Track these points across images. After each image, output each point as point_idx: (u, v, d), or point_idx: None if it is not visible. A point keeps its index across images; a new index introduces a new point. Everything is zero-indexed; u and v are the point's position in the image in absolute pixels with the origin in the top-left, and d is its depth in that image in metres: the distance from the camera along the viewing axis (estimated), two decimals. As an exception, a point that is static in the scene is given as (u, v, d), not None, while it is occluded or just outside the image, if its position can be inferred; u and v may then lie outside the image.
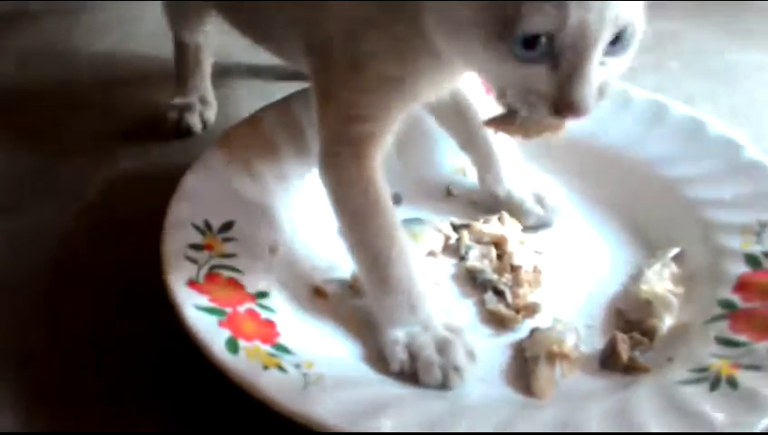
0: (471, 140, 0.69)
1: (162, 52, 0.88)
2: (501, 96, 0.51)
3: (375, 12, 0.53)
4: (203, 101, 0.81)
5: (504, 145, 0.69)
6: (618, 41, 0.47)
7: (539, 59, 0.46)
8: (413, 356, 0.53)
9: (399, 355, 0.54)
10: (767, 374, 0.50)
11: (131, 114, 0.82)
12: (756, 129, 0.79)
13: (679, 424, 0.47)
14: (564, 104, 0.47)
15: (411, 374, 0.53)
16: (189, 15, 0.79)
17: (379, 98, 0.56)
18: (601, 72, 0.47)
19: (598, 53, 0.46)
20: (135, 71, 0.89)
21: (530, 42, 0.46)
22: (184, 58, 0.81)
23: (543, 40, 0.45)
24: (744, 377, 0.49)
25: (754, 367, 0.50)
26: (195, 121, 0.79)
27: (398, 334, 0.54)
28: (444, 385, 0.52)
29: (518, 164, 0.70)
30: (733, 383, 0.49)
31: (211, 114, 0.81)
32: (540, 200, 0.68)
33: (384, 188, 0.58)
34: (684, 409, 0.48)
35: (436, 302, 0.57)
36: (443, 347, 0.54)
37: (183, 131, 0.79)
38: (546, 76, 0.47)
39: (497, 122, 0.53)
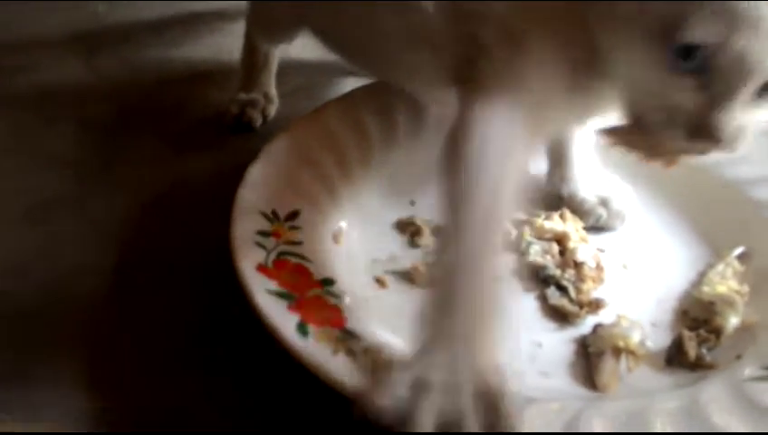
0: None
1: (222, 55, 0.90)
2: (633, 108, 0.49)
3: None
4: (267, 97, 0.82)
5: (581, 148, 0.68)
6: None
7: (690, 72, 0.44)
8: (415, 393, 0.43)
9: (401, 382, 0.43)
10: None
11: (193, 111, 0.83)
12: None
13: (751, 419, 0.46)
14: (703, 127, 0.45)
15: None
16: (280, 36, 0.79)
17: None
18: (746, 110, 0.45)
19: (752, 85, 0.44)
20: (198, 69, 0.91)
21: (687, 51, 0.44)
22: (253, 56, 0.82)
23: (701, 53, 0.44)
24: (817, 376, 0.49)
25: (827, 366, 0.49)
26: (256, 116, 0.80)
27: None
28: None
29: (592, 167, 0.68)
30: (806, 381, 0.48)
31: (272, 110, 0.82)
32: (605, 203, 0.67)
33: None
34: (755, 404, 0.47)
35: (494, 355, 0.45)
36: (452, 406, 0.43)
37: (244, 126, 0.80)
38: (692, 93, 0.45)
39: (619, 134, 0.50)
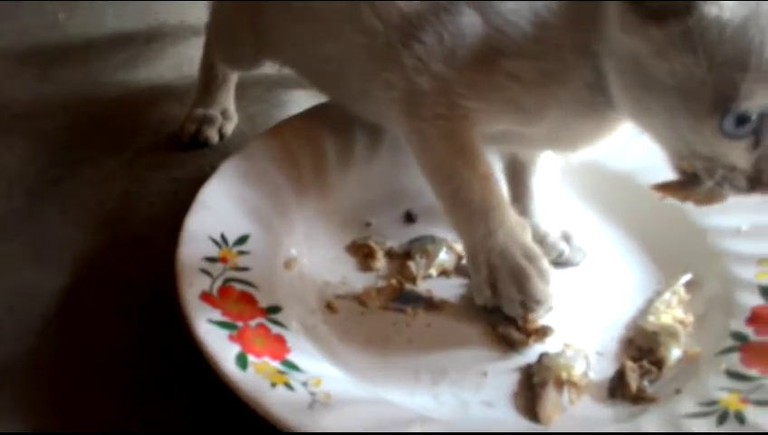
0: (516, 167, 0.68)
1: (183, 68, 0.90)
2: (680, 162, 0.51)
3: (524, 41, 0.53)
4: (225, 114, 0.82)
5: (543, 181, 0.68)
6: None
7: (744, 135, 0.47)
8: (495, 292, 0.57)
9: (484, 293, 0.58)
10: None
11: (151, 127, 0.83)
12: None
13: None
14: (761, 180, 0.48)
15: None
16: (242, 64, 0.78)
17: (491, 102, 0.56)
18: None
19: None
20: (158, 82, 0.90)
21: (742, 118, 0.46)
22: (211, 72, 0.81)
23: (755, 117, 0.46)
24: (753, 413, 0.49)
25: (764, 403, 0.50)
26: (212, 134, 0.80)
27: (482, 269, 0.57)
28: (527, 313, 0.57)
29: (553, 201, 0.69)
30: (740, 419, 0.49)
31: (230, 127, 0.82)
32: (567, 238, 0.67)
33: (475, 139, 0.58)
34: (689, 443, 0.48)
35: (515, 223, 0.58)
36: (520, 280, 0.56)
37: (200, 143, 0.80)
38: (744, 152, 0.48)
39: (672, 189, 0.53)
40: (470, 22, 0.56)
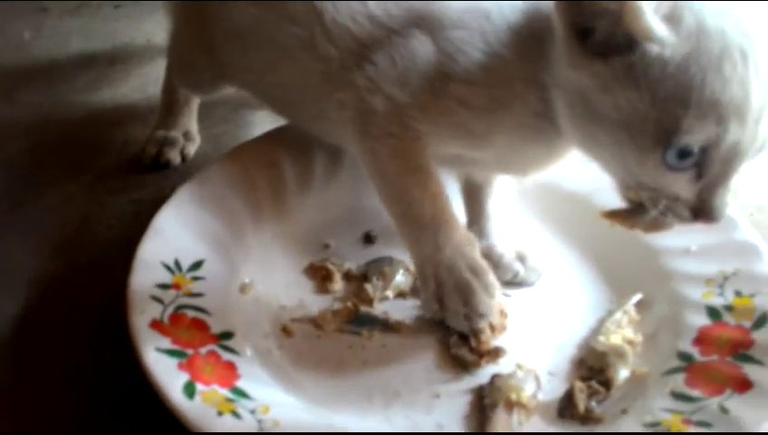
0: (473, 190, 0.69)
1: (148, 88, 0.90)
2: (627, 191, 0.53)
3: (474, 69, 0.55)
4: (187, 136, 0.82)
5: (499, 203, 0.69)
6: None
7: (686, 169, 0.48)
8: (442, 306, 0.59)
9: (432, 307, 0.60)
10: (716, 431, 0.50)
11: (114, 148, 0.83)
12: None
13: (624, 482, 0.47)
14: (703, 211, 0.50)
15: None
16: (201, 89, 0.79)
17: (441, 125, 0.57)
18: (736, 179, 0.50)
19: (743, 165, 0.49)
20: (122, 103, 0.91)
21: (684, 152, 0.47)
22: (174, 94, 0.82)
23: (696, 150, 0.47)
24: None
25: (705, 424, 0.51)
26: (174, 156, 0.80)
27: (430, 284, 0.59)
28: (471, 329, 0.59)
29: (511, 222, 0.70)
30: (682, 441, 0.50)
31: (192, 148, 0.82)
32: (522, 259, 0.67)
33: (426, 156, 0.59)
34: (631, 465, 0.48)
35: (463, 239, 0.59)
36: (465, 294, 0.58)
37: (161, 165, 0.80)
38: (687, 183, 0.49)
39: (619, 217, 0.55)
40: (422, 46, 0.57)
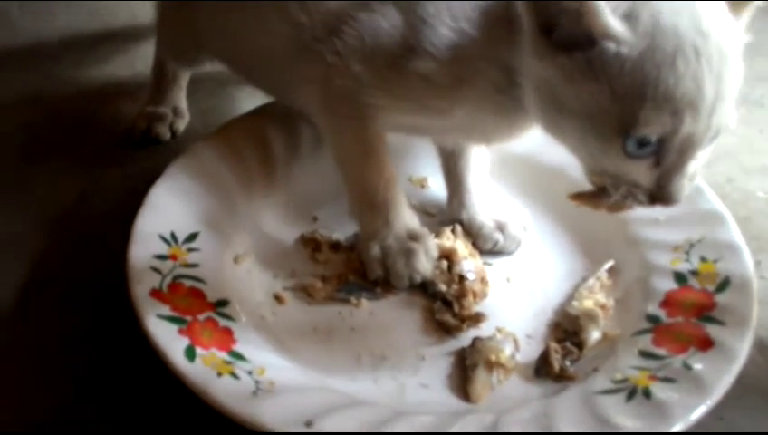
0: (451, 164, 0.72)
1: (136, 65, 0.91)
2: (592, 175, 0.56)
3: (439, 45, 0.57)
4: (176, 111, 0.84)
5: (479, 175, 0.72)
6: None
7: (645, 156, 0.51)
8: (387, 269, 0.65)
9: (376, 271, 0.65)
10: (679, 386, 0.54)
11: (105, 125, 0.85)
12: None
13: (594, 430, 0.51)
14: (661, 196, 0.53)
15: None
16: (185, 60, 0.81)
17: (401, 99, 0.60)
18: (693, 164, 0.53)
19: (699, 152, 0.52)
20: (111, 80, 0.92)
21: (642, 142, 0.50)
22: (163, 70, 0.84)
23: (654, 140, 0.50)
24: (658, 389, 0.54)
25: (669, 379, 0.55)
26: (163, 131, 0.82)
27: (375, 250, 0.65)
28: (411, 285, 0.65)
29: (489, 194, 0.72)
30: (647, 394, 0.54)
31: (181, 124, 0.84)
32: (501, 228, 0.70)
33: (383, 141, 0.64)
34: (599, 416, 0.52)
35: (407, 213, 0.66)
36: (409, 257, 0.64)
37: (152, 140, 0.82)
38: (647, 170, 0.52)
39: (584, 198, 0.58)
40: (389, 20, 0.59)
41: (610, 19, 0.49)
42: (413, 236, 0.65)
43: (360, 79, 0.59)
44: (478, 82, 0.57)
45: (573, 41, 0.50)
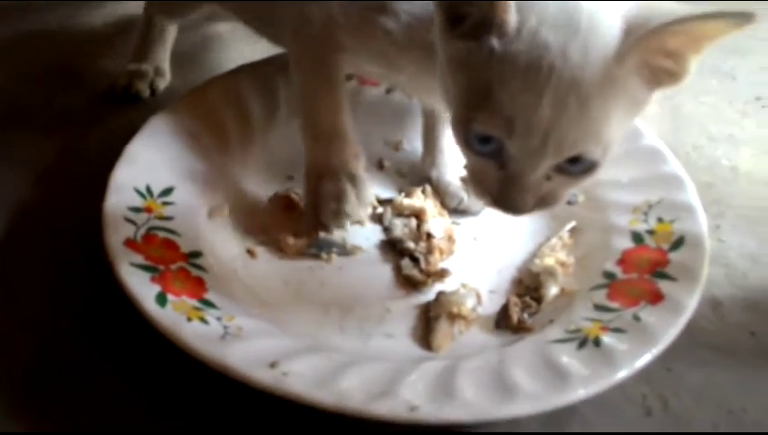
0: (430, 124, 0.74)
1: (122, 23, 0.92)
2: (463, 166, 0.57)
3: (406, 7, 0.59)
4: (158, 71, 0.85)
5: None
6: (576, 162, 0.51)
7: (489, 156, 0.52)
8: (318, 203, 0.67)
9: (308, 198, 0.68)
10: (628, 336, 0.57)
11: (88, 81, 0.86)
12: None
13: (544, 376, 0.54)
14: (500, 201, 0.54)
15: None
16: (177, 10, 0.84)
17: (364, 47, 0.63)
18: (547, 184, 0.53)
19: (541, 170, 0.51)
20: (97, 36, 0.93)
21: (484, 139, 0.51)
22: (149, 28, 0.85)
23: (494, 141, 0.51)
24: (609, 338, 0.57)
25: (619, 330, 0.57)
26: (143, 87, 0.84)
27: (311, 181, 0.67)
28: (337, 225, 0.67)
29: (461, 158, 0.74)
30: (597, 343, 0.56)
31: (162, 84, 0.85)
32: (467, 188, 0.72)
33: (341, 76, 0.67)
34: (549, 362, 0.55)
35: (352, 153, 0.67)
36: (340, 197, 0.66)
37: (132, 96, 0.83)
38: (494, 172, 0.53)
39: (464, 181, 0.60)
40: None
41: (513, 11, 0.49)
42: (350, 179, 0.67)
43: (336, 18, 0.62)
44: (424, 48, 0.58)
45: (469, 32, 0.51)
